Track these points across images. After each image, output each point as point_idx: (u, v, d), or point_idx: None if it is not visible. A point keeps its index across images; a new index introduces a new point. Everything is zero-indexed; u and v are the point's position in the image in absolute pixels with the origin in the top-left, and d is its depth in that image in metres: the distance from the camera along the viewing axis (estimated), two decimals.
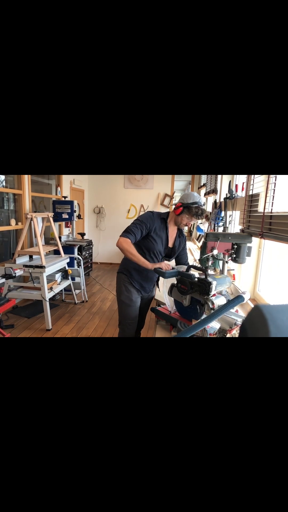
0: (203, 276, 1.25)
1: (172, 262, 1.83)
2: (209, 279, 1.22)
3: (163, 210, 6.46)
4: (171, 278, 1.44)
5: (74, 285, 3.83)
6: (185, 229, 1.83)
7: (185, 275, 1.34)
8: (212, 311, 1.21)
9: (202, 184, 4.97)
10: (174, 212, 1.71)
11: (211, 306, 1.20)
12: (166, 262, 1.63)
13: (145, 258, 1.66)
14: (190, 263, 1.52)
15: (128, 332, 1.85)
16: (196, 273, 1.37)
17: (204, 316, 1.26)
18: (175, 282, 1.41)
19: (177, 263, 1.87)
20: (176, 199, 6.14)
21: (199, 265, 1.57)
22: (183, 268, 1.47)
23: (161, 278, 1.76)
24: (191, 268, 1.43)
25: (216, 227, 2.57)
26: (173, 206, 1.75)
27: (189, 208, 1.64)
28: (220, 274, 1.38)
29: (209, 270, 1.67)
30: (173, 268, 1.51)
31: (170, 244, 1.79)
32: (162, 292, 1.98)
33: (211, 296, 1.21)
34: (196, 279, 1.28)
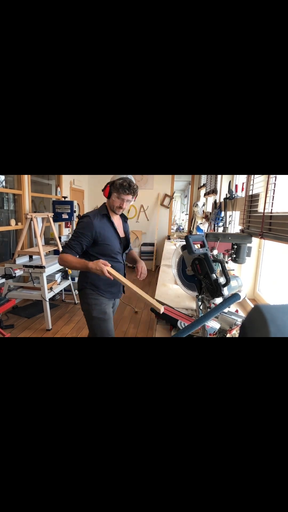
0: (222, 280, 1.17)
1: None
2: (225, 291, 1.13)
3: (163, 210, 6.37)
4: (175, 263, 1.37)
5: (74, 285, 3.83)
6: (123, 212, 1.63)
7: (209, 263, 1.20)
8: (208, 309, 1.21)
9: (202, 184, 4.97)
10: (109, 199, 1.55)
11: (207, 304, 1.20)
12: (102, 260, 1.39)
13: (108, 261, 1.45)
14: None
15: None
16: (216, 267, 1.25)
17: (200, 313, 1.26)
18: (195, 258, 1.26)
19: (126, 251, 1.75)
20: (176, 199, 6.14)
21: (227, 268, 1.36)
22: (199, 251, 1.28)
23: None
24: (216, 256, 1.31)
25: (216, 227, 2.57)
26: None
27: (113, 185, 1.47)
28: (235, 278, 1.29)
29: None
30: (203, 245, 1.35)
31: (122, 234, 1.65)
32: (161, 291, 1.98)
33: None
34: (215, 276, 1.18)
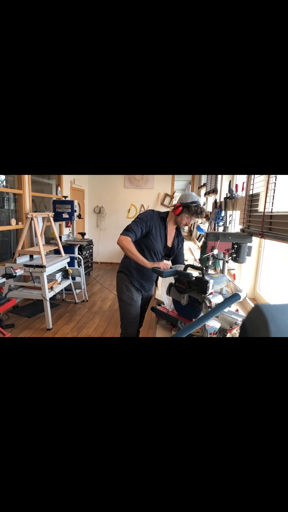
0: (201, 275, 1.27)
1: (169, 262, 1.84)
2: (206, 277, 1.23)
3: (163, 210, 6.48)
4: (170, 278, 1.46)
5: (75, 285, 3.83)
6: (185, 229, 1.88)
7: (182, 274, 1.36)
8: (209, 309, 1.21)
9: (202, 184, 4.96)
10: (173, 212, 1.73)
11: (208, 304, 1.21)
12: (164, 262, 1.65)
13: (144, 256, 1.68)
14: (191, 263, 1.53)
15: (130, 332, 1.85)
16: (194, 272, 1.38)
17: (202, 314, 1.26)
18: (173, 281, 1.42)
19: (174, 263, 1.88)
20: (176, 199, 6.14)
21: (198, 265, 1.59)
22: (181, 267, 1.49)
23: (160, 278, 1.78)
24: (189, 268, 1.45)
25: (216, 227, 2.57)
26: (173, 207, 1.78)
27: (188, 208, 1.67)
28: (218, 274, 1.39)
29: (209, 270, 1.68)
30: (171, 268, 1.53)
31: (169, 244, 1.81)
32: (161, 291, 1.98)
33: (208, 295, 1.22)
34: (193, 278, 1.30)
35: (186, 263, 1.59)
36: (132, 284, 1.80)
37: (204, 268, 1.36)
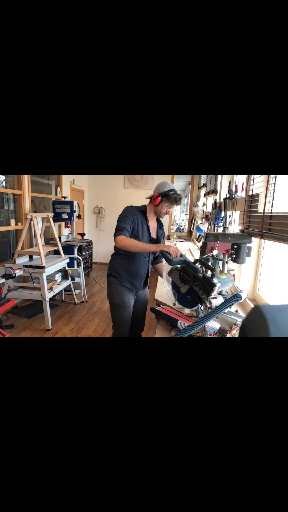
0: (209, 274, 1.24)
1: (184, 246, 1.82)
2: (215, 280, 1.20)
3: None
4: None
5: (74, 285, 3.83)
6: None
7: (191, 266, 1.31)
8: (209, 310, 1.21)
9: (202, 184, 4.97)
10: (152, 203, 1.74)
11: (208, 305, 1.20)
12: (174, 247, 1.56)
13: (133, 254, 1.72)
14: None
15: (122, 333, 1.84)
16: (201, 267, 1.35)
17: (201, 314, 1.26)
18: (178, 267, 1.37)
19: (158, 257, 1.91)
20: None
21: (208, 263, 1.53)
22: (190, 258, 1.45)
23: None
24: (199, 262, 1.40)
25: (216, 228, 2.57)
26: (149, 199, 1.80)
27: (167, 196, 1.68)
28: (225, 273, 1.36)
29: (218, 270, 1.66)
30: (181, 255, 1.47)
31: (154, 236, 1.82)
32: (160, 291, 1.98)
33: (211, 298, 1.21)
34: (201, 274, 1.25)
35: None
36: (123, 285, 1.79)
37: (214, 269, 1.31)
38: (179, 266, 1.38)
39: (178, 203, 1.72)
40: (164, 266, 1.59)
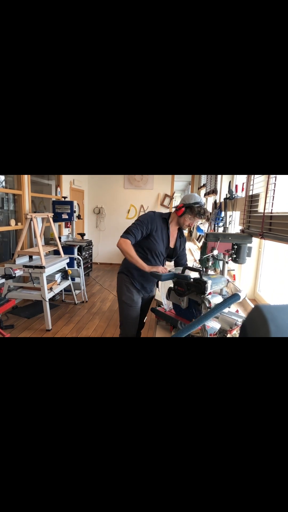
0: (198, 276, 1.29)
1: (171, 264, 1.85)
2: (204, 278, 1.25)
3: (163, 210, 6.49)
4: (170, 282, 1.47)
5: (74, 286, 3.83)
6: (186, 230, 1.85)
7: (180, 276, 1.38)
8: (209, 309, 1.21)
9: (202, 184, 4.97)
10: (175, 213, 1.72)
11: (207, 305, 1.20)
12: (162, 266, 1.65)
13: (146, 258, 1.68)
14: (190, 264, 1.54)
15: (129, 333, 1.84)
16: (192, 274, 1.39)
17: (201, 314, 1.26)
18: (173, 285, 1.44)
19: (176, 265, 1.86)
20: (176, 199, 6.15)
21: (198, 266, 1.60)
22: (179, 270, 1.51)
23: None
24: (187, 270, 1.46)
25: (216, 228, 2.57)
26: (173, 208, 1.79)
27: (191, 208, 1.65)
28: (217, 274, 1.41)
29: (209, 270, 1.69)
30: (169, 272, 1.51)
31: (172, 245, 1.79)
32: (161, 293, 1.98)
33: (207, 295, 1.22)
34: (191, 279, 1.31)
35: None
36: (133, 285, 1.79)
37: (204, 269, 1.39)
38: (172, 285, 1.44)
39: (202, 217, 1.68)
40: (162, 293, 1.61)
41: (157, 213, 1.74)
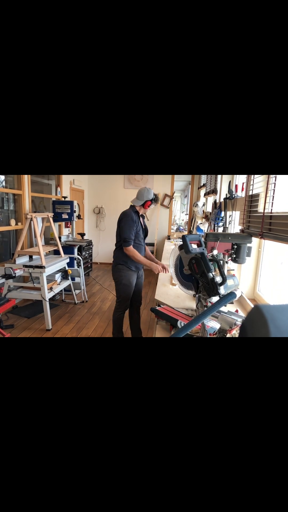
0: (218, 279, 1.18)
1: (170, 264, 1.88)
2: (221, 289, 1.14)
3: (163, 210, 6.42)
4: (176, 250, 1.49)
5: (74, 285, 3.83)
6: (185, 227, 2.16)
7: (205, 262, 1.22)
8: (205, 308, 1.21)
9: (202, 184, 4.97)
10: (143, 207, 2.33)
11: (204, 303, 1.20)
12: (161, 263, 2.27)
13: (136, 246, 2.29)
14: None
15: (125, 305, 2.41)
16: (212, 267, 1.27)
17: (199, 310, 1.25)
18: (192, 257, 1.29)
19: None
20: (176, 199, 6.14)
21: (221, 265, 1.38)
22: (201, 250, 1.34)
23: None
24: (213, 255, 1.34)
25: (216, 227, 2.57)
26: (141, 205, 2.35)
27: (156, 200, 2.35)
28: (233, 280, 1.29)
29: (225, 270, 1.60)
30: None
31: (143, 227, 2.42)
32: (160, 292, 1.98)
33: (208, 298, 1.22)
34: (211, 275, 1.19)
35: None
36: (129, 269, 2.34)
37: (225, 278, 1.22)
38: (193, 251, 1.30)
39: (158, 202, 2.44)
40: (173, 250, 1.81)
41: (131, 212, 2.27)
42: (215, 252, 1.59)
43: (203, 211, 4.45)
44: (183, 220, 8.43)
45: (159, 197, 2.36)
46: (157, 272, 2.23)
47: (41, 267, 2.88)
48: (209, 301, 1.21)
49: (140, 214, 2.36)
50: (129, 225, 2.22)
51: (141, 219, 2.39)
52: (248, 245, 1.60)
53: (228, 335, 1.23)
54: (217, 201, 2.89)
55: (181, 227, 7.49)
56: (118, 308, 2.45)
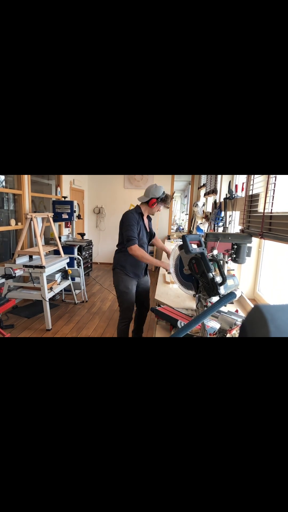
0: (218, 279, 1.18)
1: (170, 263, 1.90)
2: (221, 289, 1.14)
3: (163, 210, 6.44)
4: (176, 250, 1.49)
5: (74, 285, 3.83)
6: (185, 229, 2.09)
7: (206, 262, 1.22)
8: (205, 308, 1.21)
9: (202, 184, 4.97)
10: (147, 205, 2.11)
11: (204, 303, 1.20)
12: (165, 262, 1.99)
13: None
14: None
15: (128, 314, 2.21)
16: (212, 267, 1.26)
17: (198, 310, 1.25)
18: (192, 257, 1.29)
19: (153, 244, 2.32)
20: (176, 199, 6.14)
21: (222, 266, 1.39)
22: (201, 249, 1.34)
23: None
24: (213, 255, 1.35)
25: (216, 227, 2.57)
26: (146, 202, 2.14)
27: (164, 200, 2.10)
28: (233, 280, 1.28)
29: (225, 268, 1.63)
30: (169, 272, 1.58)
31: (148, 229, 2.20)
32: (160, 292, 1.98)
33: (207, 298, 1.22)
34: (211, 275, 1.19)
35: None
36: (127, 275, 2.16)
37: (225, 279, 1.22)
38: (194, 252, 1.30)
39: (169, 203, 2.18)
40: (173, 250, 1.75)
41: (132, 211, 2.08)
42: (215, 252, 1.59)
43: (203, 211, 4.45)
44: (183, 220, 8.42)
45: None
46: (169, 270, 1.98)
47: (41, 267, 2.88)
48: (209, 301, 1.21)
49: (145, 215, 2.15)
50: (130, 223, 2.01)
51: (146, 220, 2.16)
52: (248, 245, 1.60)
53: (228, 335, 1.23)
54: (217, 201, 2.89)
55: (181, 227, 7.49)
56: (121, 319, 2.23)
